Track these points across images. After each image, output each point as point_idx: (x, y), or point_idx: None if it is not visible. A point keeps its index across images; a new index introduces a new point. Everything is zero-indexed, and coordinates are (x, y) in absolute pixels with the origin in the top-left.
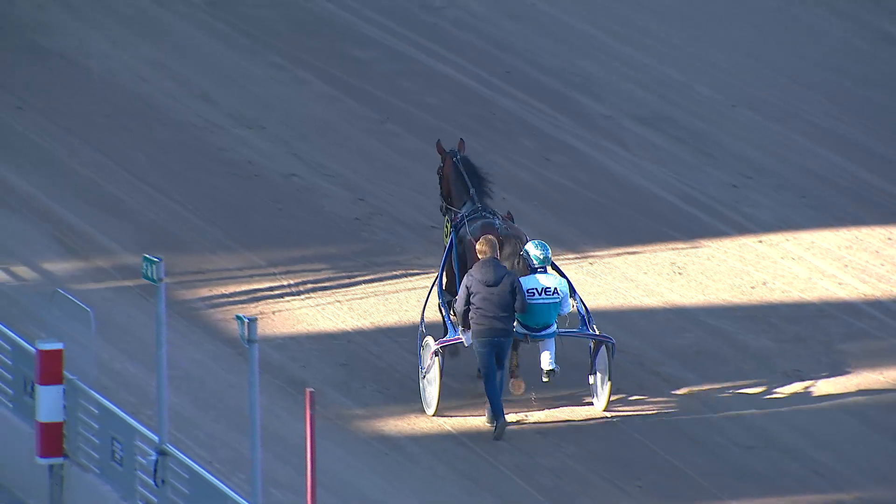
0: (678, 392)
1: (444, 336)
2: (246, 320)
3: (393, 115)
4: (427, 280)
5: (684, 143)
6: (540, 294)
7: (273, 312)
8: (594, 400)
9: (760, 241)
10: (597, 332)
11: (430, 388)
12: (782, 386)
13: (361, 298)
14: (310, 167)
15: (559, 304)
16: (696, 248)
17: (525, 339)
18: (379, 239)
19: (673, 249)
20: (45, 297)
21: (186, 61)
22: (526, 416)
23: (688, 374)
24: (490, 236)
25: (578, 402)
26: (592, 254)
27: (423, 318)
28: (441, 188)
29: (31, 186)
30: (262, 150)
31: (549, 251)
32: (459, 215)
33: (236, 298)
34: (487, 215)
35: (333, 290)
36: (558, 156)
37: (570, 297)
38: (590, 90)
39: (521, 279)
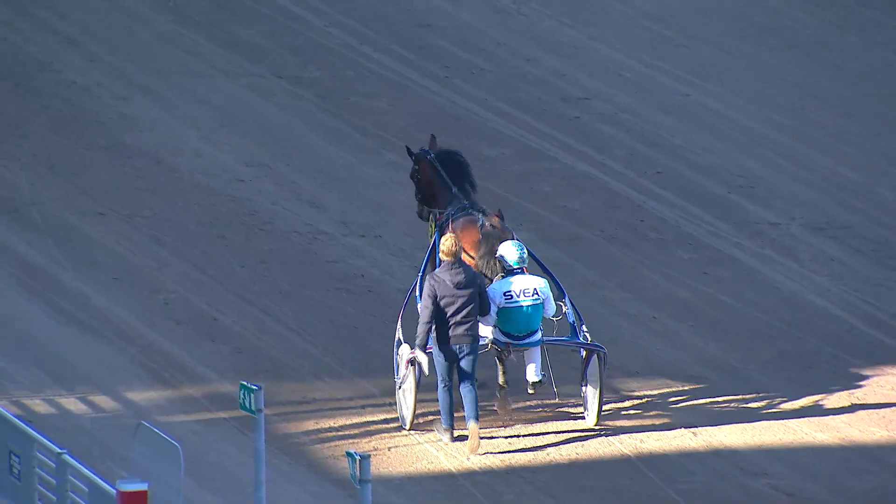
0: None
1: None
2: (357, 457)
3: (528, 221)
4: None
5: (865, 255)
6: (518, 296)
7: (388, 448)
8: (585, 413)
9: None
10: (588, 340)
11: (406, 400)
12: None
13: (487, 429)
14: None
15: (541, 307)
16: (879, 375)
17: (507, 349)
18: (509, 363)
19: (851, 377)
20: (128, 430)
21: (291, 160)
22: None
23: None
24: (452, 235)
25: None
26: (758, 382)
27: (399, 324)
28: (421, 192)
29: (113, 304)
30: (378, 262)
31: (525, 251)
32: (445, 214)
33: (346, 432)
34: (473, 212)
35: (456, 422)
36: (718, 269)
37: (560, 300)
38: (754, 193)
39: (497, 282)
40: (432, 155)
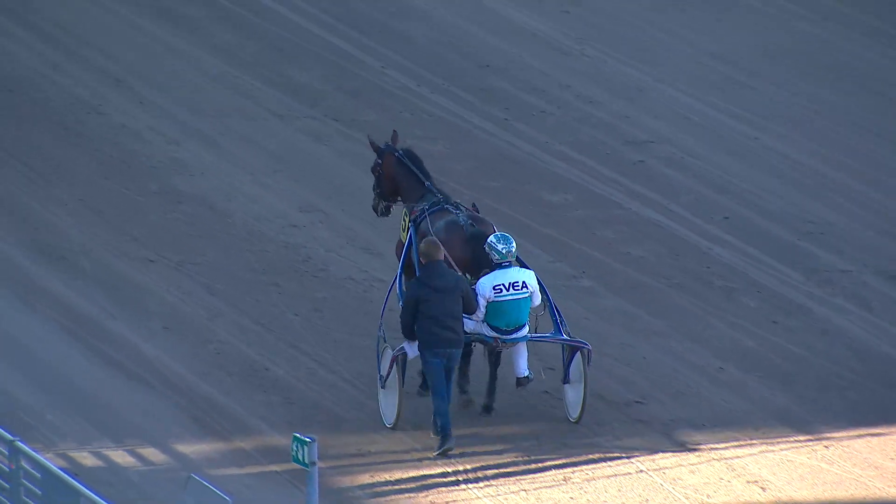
0: None
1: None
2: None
3: (589, 268)
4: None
5: None
6: (508, 289)
7: (446, 503)
8: (567, 410)
9: None
10: (571, 337)
11: (390, 399)
12: None
13: (551, 487)
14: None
15: (529, 300)
16: None
17: (496, 344)
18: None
19: None
20: (178, 483)
21: (346, 205)
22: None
23: None
24: (434, 238)
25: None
26: (828, 435)
27: (381, 322)
28: (380, 187)
29: (163, 354)
30: None
31: (514, 244)
32: (419, 209)
33: (403, 486)
34: (450, 209)
35: (518, 477)
36: (787, 318)
37: (542, 293)
38: (824, 239)
39: (486, 276)
40: (400, 151)
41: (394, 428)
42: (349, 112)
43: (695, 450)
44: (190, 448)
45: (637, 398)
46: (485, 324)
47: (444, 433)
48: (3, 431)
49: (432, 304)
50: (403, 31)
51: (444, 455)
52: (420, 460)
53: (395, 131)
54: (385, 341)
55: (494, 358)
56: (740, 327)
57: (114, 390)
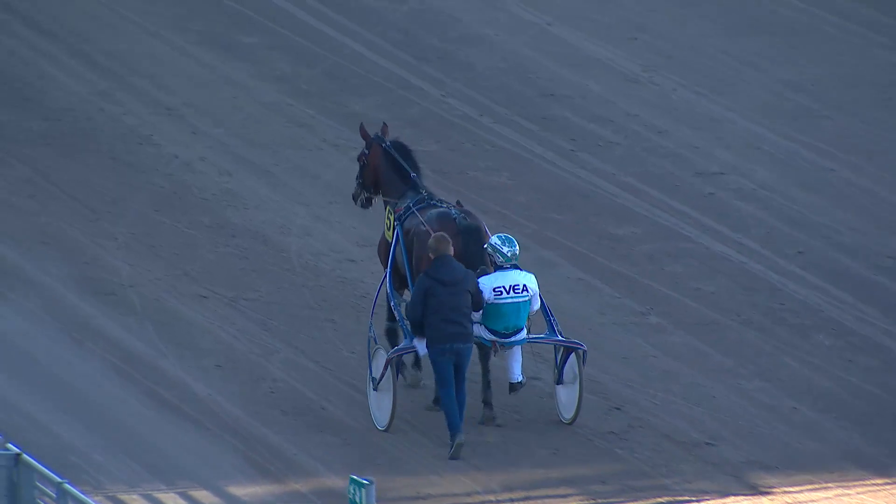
0: None
1: (399, 343)
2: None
3: (658, 304)
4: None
5: None
6: (508, 292)
7: None
8: (560, 411)
9: None
10: (566, 338)
11: (384, 402)
12: None
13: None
14: (553, 371)
15: (529, 303)
16: None
17: (494, 347)
18: (640, 457)
19: None
20: None
21: None
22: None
23: None
24: (443, 233)
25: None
26: None
27: (371, 323)
28: (363, 177)
29: (216, 393)
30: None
31: (517, 247)
32: (404, 205)
33: None
34: (438, 204)
35: None
36: (864, 356)
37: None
38: None
39: (487, 276)
40: (388, 142)
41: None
42: (408, 141)
43: (767, 493)
44: (243, 490)
45: (707, 439)
46: (482, 326)
47: (453, 430)
48: (50, 473)
49: (440, 299)
50: (465, 58)
51: (458, 455)
52: (482, 503)
53: (384, 124)
54: (376, 342)
55: (485, 361)
56: (814, 366)
57: (165, 431)
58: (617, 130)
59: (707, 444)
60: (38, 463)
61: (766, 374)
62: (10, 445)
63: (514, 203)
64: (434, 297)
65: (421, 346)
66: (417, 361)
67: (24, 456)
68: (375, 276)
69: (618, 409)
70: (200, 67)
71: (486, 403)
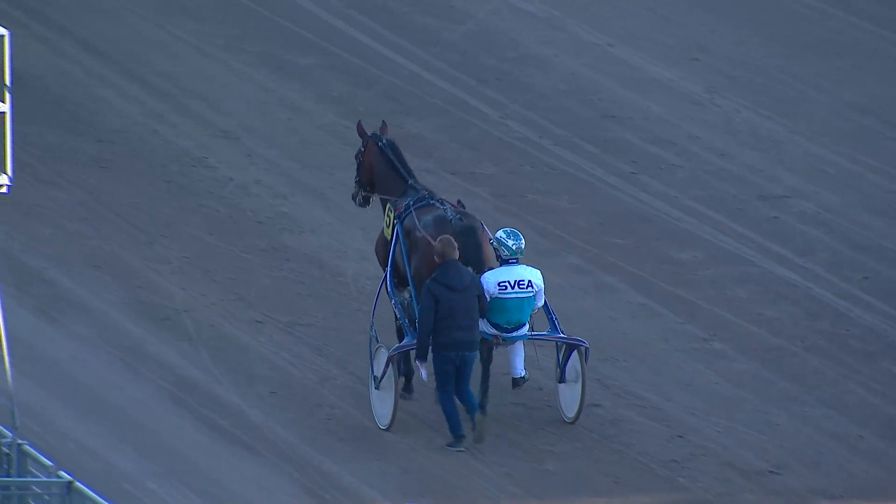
0: None
1: (401, 341)
2: None
3: (720, 330)
4: None
5: None
6: (513, 287)
7: None
8: (562, 409)
9: None
10: (567, 335)
11: (385, 400)
12: None
13: None
14: (617, 395)
15: (533, 299)
16: None
17: (496, 341)
18: (702, 486)
19: None
20: None
21: None
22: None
23: None
24: (449, 237)
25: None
26: None
27: (373, 321)
28: (360, 176)
29: (271, 420)
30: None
31: (523, 241)
32: (404, 204)
33: None
34: (436, 204)
35: None
36: None
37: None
38: None
39: (491, 271)
40: (384, 141)
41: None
42: (466, 164)
43: None
44: None
45: (771, 467)
46: (485, 320)
47: (455, 433)
48: (103, 501)
49: (450, 305)
50: (524, 79)
51: (459, 444)
52: None
53: (383, 122)
54: (378, 341)
55: (487, 354)
56: (881, 393)
57: (219, 458)
58: (679, 153)
59: (771, 472)
60: (91, 490)
61: (831, 401)
62: (62, 473)
63: (574, 227)
64: (443, 303)
65: (423, 370)
66: (408, 384)
67: (77, 483)
68: None
69: (680, 436)
70: (255, 89)
71: (482, 406)
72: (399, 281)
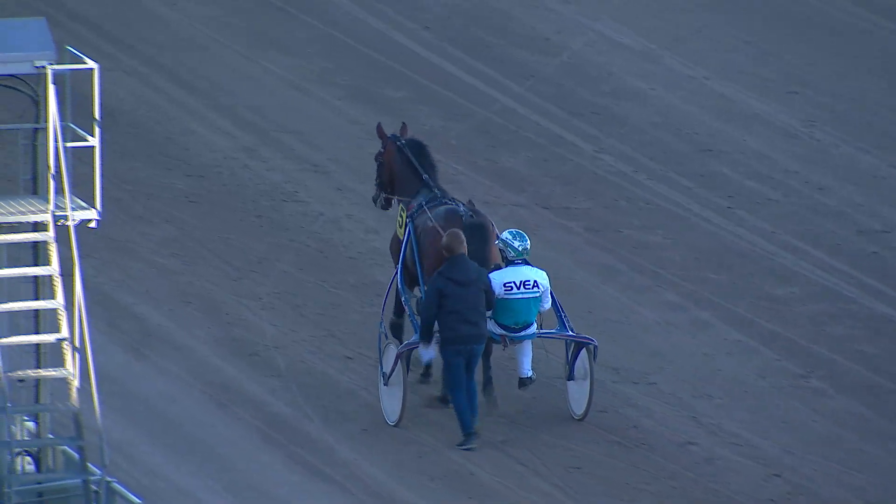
0: None
1: (409, 338)
2: None
3: (818, 368)
4: None
5: None
6: (518, 288)
7: None
8: (571, 407)
9: None
10: (576, 333)
11: (394, 396)
12: None
13: None
14: (712, 434)
15: (539, 300)
16: None
17: (503, 342)
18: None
19: None
20: None
21: (558, 298)
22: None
23: None
24: (457, 230)
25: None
26: None
27: (382, 318)
28: (380, 177)
29: (361, 458)
30: (652, 412)
31: (528, 241)
32: (416, 203)
33: None
34: (448, 202)
35: None
36: None
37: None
38: None
39: (497, 272)
40: (403, 141)
41: (397, 426)
42: (560, 199)
43: None
44: None
45: None
46: (492, 321)
47: (465, 430)
48: None
49: (455, 299)
50: (619, 112)
51: (471, 447)
52: None
53: (403, 123)
54: (387, 338)
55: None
56: None
57: (309, 495)
58: (776, 187)
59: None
60: None
61: None
62: None
63: (669, 262)
64: (449, 297)
65: (426, 353)
66: (427, 370)
67: None
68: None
69: (777, 475)
70: (347, 122)
71: (487, 394)
72: (410, 279)
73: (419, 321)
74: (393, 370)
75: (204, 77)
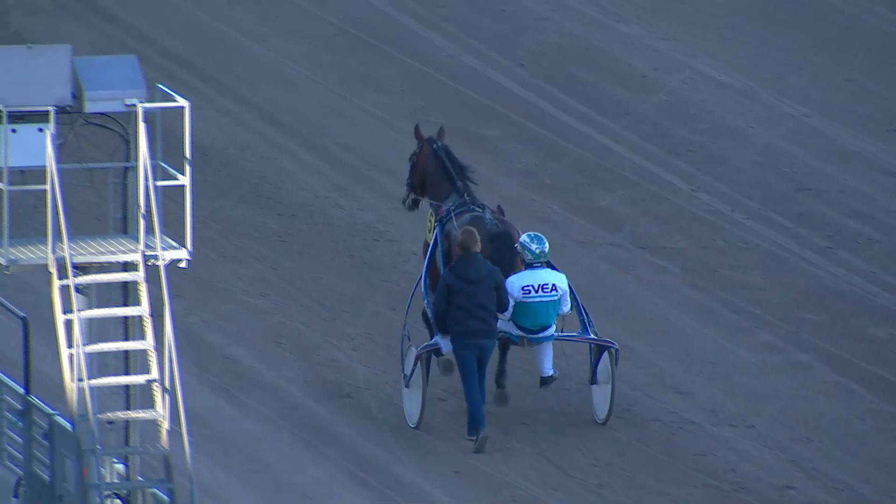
0: None
1: (430, 340)
2: None
3: None
4: None
5: None
6: (536, 291)
7: None
8: (594, 411)
9: None
10: (598, 337)
11: (414, 398)
12: None
13: None
14: (811, 478)
15: (558, 303)
16: None
17: (521, 342)
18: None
19: None
20: None
21: (653, 340)
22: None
23: None
24: (470, 228)
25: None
26: None
27: (406, 321)
28: (412, 177)
29: (453, 501)
30: (750, 456)
31: (546, 244)
32: (445, 209)
33: None
34: (476, 209)
35: None
36: None
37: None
38: None
39: (516, 275)
40: (439, 144)
41: (416, 428)
42: (656, 239)
43: None
44: None
45: None
46: (511, 322)
47: (476, 424)
48: None
49: (463, 295)
50: (716, 151)
51: (482, 449)
52: None
53: (441, 128)
54: (409, 340)
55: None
56: None
57: None
58: (877, 227)
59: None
60: None
61: None
62: None
63: (767, 303)
64: (458, 293)
65: (444, 342)
66: (449, 363)
67: None
68: (620, 378)
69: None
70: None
71: (499, 386)
72: (433, 282)
73: (431, 316)
74: (413, 372)
75: (295, 115)
